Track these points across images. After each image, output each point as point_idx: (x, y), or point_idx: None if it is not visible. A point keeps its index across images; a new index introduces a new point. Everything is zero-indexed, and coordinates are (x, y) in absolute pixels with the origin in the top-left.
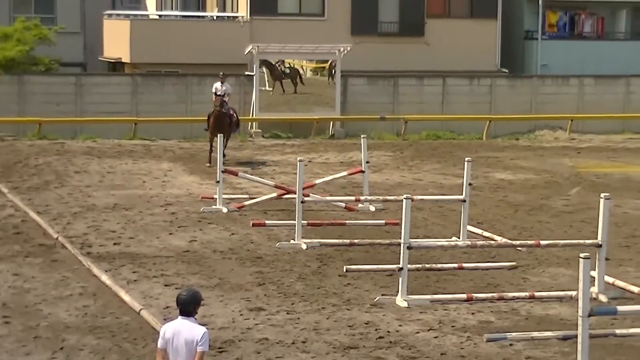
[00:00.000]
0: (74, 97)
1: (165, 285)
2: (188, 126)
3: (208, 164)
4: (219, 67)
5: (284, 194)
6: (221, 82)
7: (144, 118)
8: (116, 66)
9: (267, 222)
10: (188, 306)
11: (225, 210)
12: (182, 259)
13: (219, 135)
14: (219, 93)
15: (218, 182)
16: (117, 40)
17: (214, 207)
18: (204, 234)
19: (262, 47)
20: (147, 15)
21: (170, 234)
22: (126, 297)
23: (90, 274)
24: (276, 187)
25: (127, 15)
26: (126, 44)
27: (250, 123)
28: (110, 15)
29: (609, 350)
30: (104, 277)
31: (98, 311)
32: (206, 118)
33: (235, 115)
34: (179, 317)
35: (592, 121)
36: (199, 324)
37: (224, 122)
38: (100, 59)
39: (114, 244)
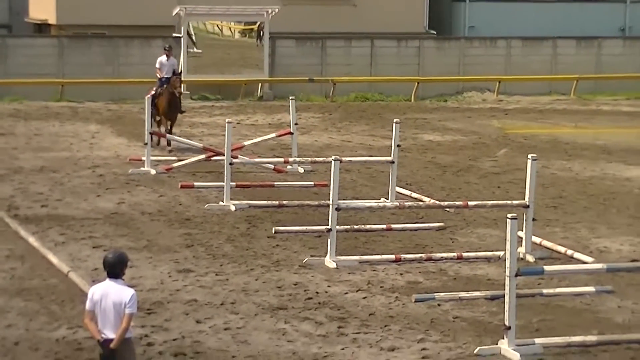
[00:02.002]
0: None
1: (94, 247)
2: (115, 88)
3: (169, 149)
4: (147, 29)
5: (212, 156)
6: (167, 56)
7: (70, 80)
8: (42, 28)
9: (195, 184)
10: (115, 268)
11: (153, 172)
12: (110, 221)
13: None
14: (165, 72)
15: (146, 144)
16: (42, 1)
17: (142, 169)
18: (132, 196)
19: (190, 9)
20: None
21: (98, 196)
22: (54, 259)
23: (18, 237)
24: (204, 149)
25: None
26: (52, 5)
27: None
28: None
29: (536, 310)
30: (31, 240)
31: (25, 273)
32: (150, 96)
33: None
34: (107, 279)
35: (519, 83)
36: (128, 285)
37: (177, 107)
38: (25, 20)
39: (42, 206)
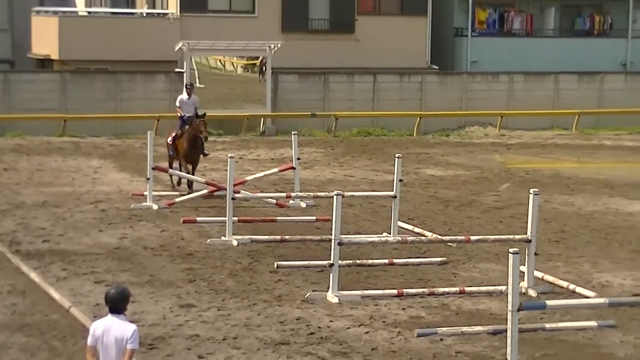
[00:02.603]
0: (2, 94)
1: (96, 282)
2: (118, 123)
3: (189, 191)
4: (149, 64)
5: (214, 191)
6: (188, 94)
7: (73, 115)
8: (45, 63)
9: (197, 218)
10: (117, 303)
11: (155, 207)
12: (113, 256)
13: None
14: (186, 110)
15: (148, 179)
16: (45, 37)
17: (144, 204)
18: (135, 231)
19: (193, 44)
20: (76, 12)
21: (100, 231)
22: (55, 295)
23: (19, 272)
24: (207, 183)
25: (55, 12)
26: (55, 40)
27: None
28: (38, 11)
29: (539, 344)
30: (33, 275)
31: (27, 309)
32: (170, 139)
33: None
34: (109, 314)
35: (521, 117)
36: (129, 321)
37: (198, 149)
38: (28, 55)
39: (43, 241)
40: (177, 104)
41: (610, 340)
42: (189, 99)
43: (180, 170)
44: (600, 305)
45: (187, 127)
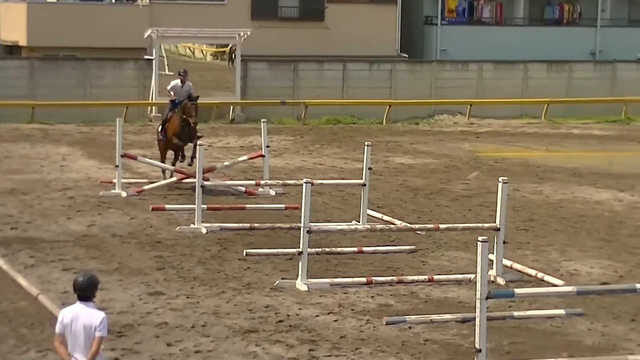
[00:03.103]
0: None
1: (64, 270)
2: (87, 110)
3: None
4: (118, 51)
5: (183, 178)
6: (182, 82)
7: (41, 102)
8: (13, 49)
9: (166, 206)
10: (85, 291)
11: (124, 194)
12: (81, 244)
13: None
14: (177, 97)
15: (117, 166)
16: (13, 23)
17: (113, 191)
18: (103, 218)
19: (162, 31)
20: None
21: (69, 218)
22: (23, 282)
23: None
24: (176, 171)
25: None
26: (23, 27)
27: (149, 107)
28: None
29: (507, 332)
30: (1, 262)
31: None
32: (159, 125)
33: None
34: (77, 302)
35: (490, 106)
36: (98, 308)
37: (190, 130)
38: None
39: (11, 228)
40: (170, 89)
41: (578, 328)
42: (182, 86)
43: (167, 148)
44: (569, 294)
45: (176, 110)
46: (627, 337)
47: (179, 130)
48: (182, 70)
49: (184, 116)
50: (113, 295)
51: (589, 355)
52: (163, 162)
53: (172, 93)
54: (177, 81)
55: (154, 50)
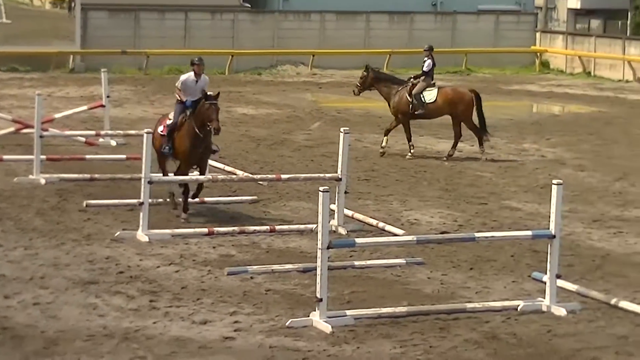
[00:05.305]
0: None
1: None
2: None
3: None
4: None
5: (21, 129)
6: (195, 75)
7: None
8: None
9: (4, 157)
10: None
11: None
12: None
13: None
14: (191, 95)
15: None
16: None
17: None
18: None
19: None
20: None
21: None
22: None
23: None
24: (14, 121)
25: None
26: None
27: None
28: None
29: (348, 282)
30: None
31: None
32: (163, 128)
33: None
34: None
35: (333, 57)
36: None
37: (206, 146)
38: None
39: None
40: (179, 85)
41: (418, 277)
42: (196, 81)
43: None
44: (409, 243)
45: (189, 114)
46: (466, 285)
47: (191, 147)
48: (196, 59)
49: (200, 124)
50: None
51: (428, 303)
52: (165, 175)
53: (180, 90)
54: (189, 74)
55: None
